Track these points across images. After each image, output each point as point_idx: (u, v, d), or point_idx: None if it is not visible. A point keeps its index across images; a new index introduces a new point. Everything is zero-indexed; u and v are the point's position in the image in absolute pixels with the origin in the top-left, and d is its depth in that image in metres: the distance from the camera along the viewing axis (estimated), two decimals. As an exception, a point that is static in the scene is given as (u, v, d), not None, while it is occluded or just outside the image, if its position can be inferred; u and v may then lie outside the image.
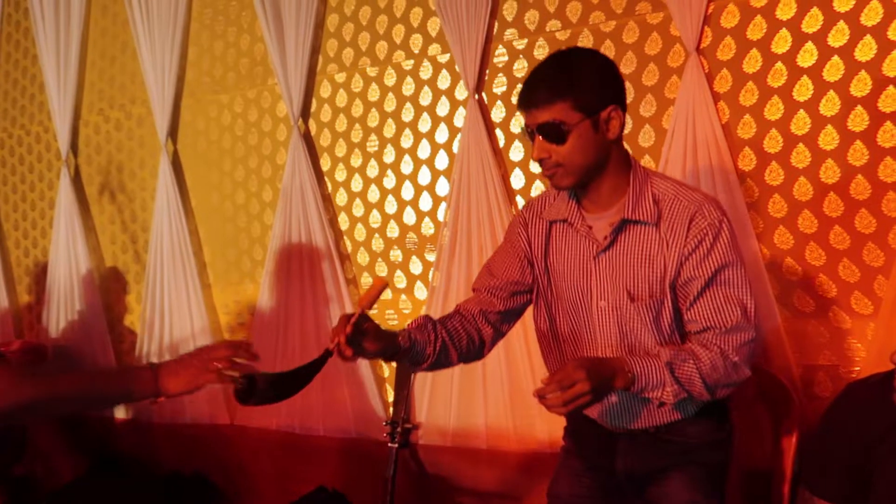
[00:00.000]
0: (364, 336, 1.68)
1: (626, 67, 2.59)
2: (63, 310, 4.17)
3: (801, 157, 2.33)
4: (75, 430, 4.12)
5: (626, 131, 1.92)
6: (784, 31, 2.33)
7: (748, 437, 2.28)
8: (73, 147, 4.09)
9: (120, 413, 4.02)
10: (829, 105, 2.28)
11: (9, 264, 4.45)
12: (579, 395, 1.54)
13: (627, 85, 2.52)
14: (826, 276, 2.31)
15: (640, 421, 1.85)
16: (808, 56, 2.30)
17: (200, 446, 3.69)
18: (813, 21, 2.29)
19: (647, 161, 2.57)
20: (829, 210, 2.29)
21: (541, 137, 1.70)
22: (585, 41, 2.66)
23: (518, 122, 2.82)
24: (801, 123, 2.32)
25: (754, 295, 1.73)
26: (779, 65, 2.34)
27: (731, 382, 1.71)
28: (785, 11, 2.33)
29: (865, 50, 2.22)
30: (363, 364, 3.20)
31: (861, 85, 2.23)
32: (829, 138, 2.29)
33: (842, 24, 2.24)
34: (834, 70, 2.26)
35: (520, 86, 2.73)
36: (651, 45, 2.56)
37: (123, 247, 4.03)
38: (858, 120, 2.24)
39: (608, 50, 2.62)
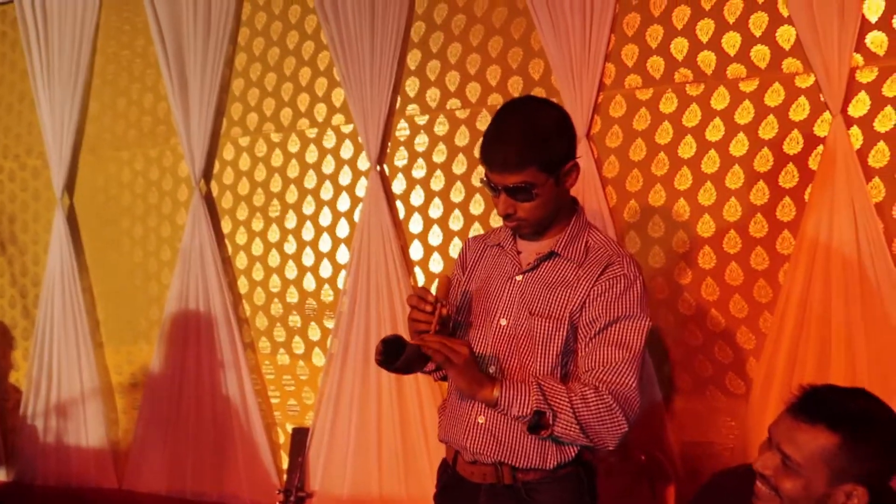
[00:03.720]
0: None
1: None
2: (-57, 365, 3.99)
3: (680, 242, 2.46)
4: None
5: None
6: (666, 124, 2.48)
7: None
8: (-37, 195, 3.95)
9: (0, 475, 3.84)
10: (706, 195, 2.42)
11: None
12: (454, 351, 1.66)
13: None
14: (703, 355, 2.44)
15: (501, 453, 1.81)
16: (686, 149, 2.45)
17: (86, 510, 3.57)
18: (692, 116, 2.44)
19: (539, 239, 2.67)
20: (706, 293, 2.43)
21: (506, 195, 1.76)
22: (483, 121, 2.76)
23: (418, 196, 2.90)
24: (681, 212, 2.46)
25: (644, 352, 1.75)
26: (661, 155, 2.49)
27: (604, 425, 1.67)
28: (666, 105, 2.48)
29: (737, 146, 2.38)
30: (257, 429, 3.17)
31: (734, 178, 2.38)
32: (706, 226, 2.43)
33: (717, 120, 2.40)
34: (711, 163, 2.42)
35: (421, 160, 2.86)
36: (545, 128, 2.67)
37: (12, 301, 3.90)
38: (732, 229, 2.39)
39: (505, 130, 2.72)
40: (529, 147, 1.71)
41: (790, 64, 2.30)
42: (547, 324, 1.76)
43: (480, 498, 1.85)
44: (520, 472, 1.80)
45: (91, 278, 3.64)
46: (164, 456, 3.38)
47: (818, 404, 1.48)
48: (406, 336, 1.77)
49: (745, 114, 2.36)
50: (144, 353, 3.50)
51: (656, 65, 2.49)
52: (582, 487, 1.84)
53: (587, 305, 1.75)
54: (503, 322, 1.82)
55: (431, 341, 1.68)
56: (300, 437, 3.08)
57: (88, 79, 3.55)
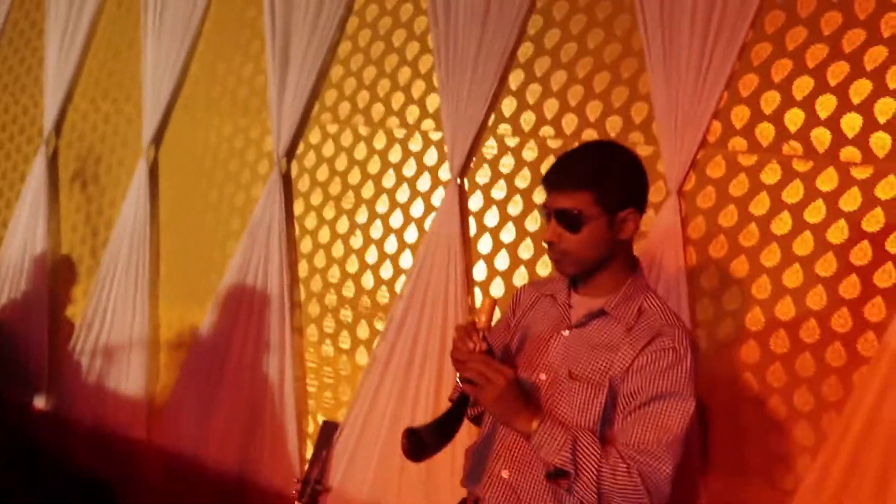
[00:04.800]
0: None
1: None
2: (9, 287, 4.10)
3: (754, 320, 2.34)
4: (-10, 411, 4.02)
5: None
6: (763, 195, 2.36)
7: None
8: (57, 128, 4.05)
9: (40, 401, 3.93)
10: (792, 277, 2.30)
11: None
12: (498, 372, 1.59)
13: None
14: (755, 442, 2.31)
15: None
16: (781, 224, 2.33)
17: (113, 455, 3.62)
18: (793, 192, 2.32)
19: (607, 286, 2.57)
20: (771, 379, 2.30)
21: (556, 221, 1.71)
22: (574, 155, 2.67)
23: (492, 217, 2.83)
24: (762, 288, 2.34)
25: (687, 435, 1.65)
26: (752, 226, 2.37)
27: (625, 502, 1.59)
28: (768, 176, 2.36)
29: (836, 233, 2.24)
30: (289, 414, 3.16)
31: (826, 265, 2.25)
32: (785, 308, 2.30)
33: (819, 202, 2.27)
34: (804, 245, 2.29)
35: (502, 181, 2.80)
36: (635, 175, 2.57)
37: (83, 238, 3.98)
38: (818, 299, 2.26)
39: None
40: (589, 172, 1.70)
41: (911, 159, 2.16)
42: (586, 389, 1.69)
43: None
44: None
45: (160, 232, 3.68)
46: (195, 419, 3.39)
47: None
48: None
49: (851, 201, 2.22)
50: (196, 315, 3.51)
51: (766, 132, 2.37)
52: None
53: (629, 376, 1.66)
54: (542, 377, 1.75)
55: (474, 361, 1.62)
56: (329, 431, 3.05)
57: (195, 40, 3.58)
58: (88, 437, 3.71)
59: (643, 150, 2.56)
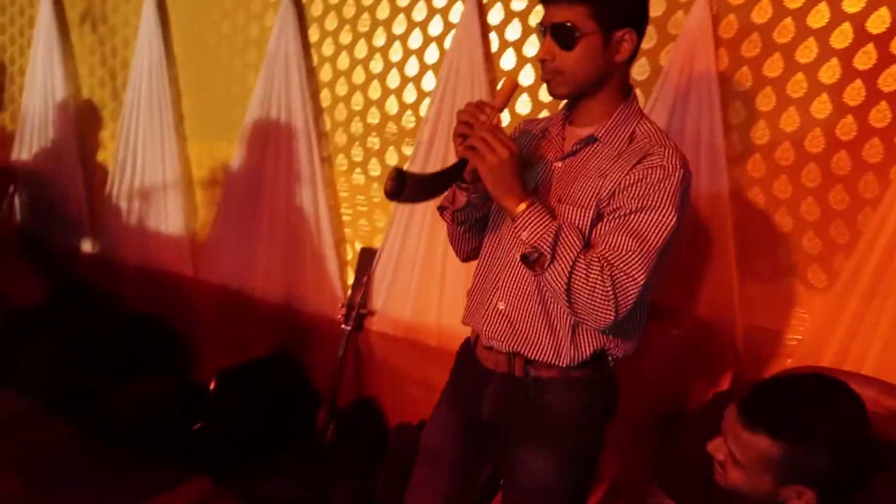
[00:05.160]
0: None
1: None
2: (36, 135, 4.12)
3: (790, 120, 2.28)
4: (38, 255, 4.16)
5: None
6: (800, -14, 2.22)
7: (674, 383, 2.38)
8: (57, -34, 3.89)
9: (86, 246, 4.05)
10: (829, 73, 2.21)
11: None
12: (501, 144, 1.57)
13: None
14: (789, 243, 2.32)
15: (515, 341, 1.75)
16: (818, 17, 2.20)
17: (163, 292, 3.76)
18: (831, -20, 2.18)
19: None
20: (806, 179, 2.27)
21: (550, 38, 1.65)
22: (597, -44, 2.52)
23: (514, 30, 2.72)
24: (797, 86, 2.26)
25: (662, 252, 1.59)
26: (787, 20, 2.25)
27: (591, 305, 1.56)
28: (805, -35, 2.21)
29: (877, 21, 2.12)
30: (327, 242, 3.22)
31: (865, 58, 2.15)
32: (821, 107, 2.23)
33: (860, -11, 2.14)
34: (842, 37, 2.18)
35: (522, -9, 2.65)
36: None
37: (101, 81, 3.93)
38: (855, 94, 2.18)
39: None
40: None
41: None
42: (571, 211, 1.65)
43: (491, 385, 1.82)
44: (531, 367, 1.74)
45: (178, 69, 3.62)
46: (238, 252, 3.48)
47: (763, 409, 1.44)
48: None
49: (893, -14, 2.09)
50: (225, 151, 3.52)
51: (803, -84, 2.20)
52: (595, 396, 1.77)
53: (616, 194, 1.62)
54: None
55: (482, 129, 1.59)
56: (368, 257, 3.12)
57: None
58: (136, 276, 3.84)
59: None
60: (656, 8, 2.44)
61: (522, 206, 1.60)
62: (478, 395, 1.84)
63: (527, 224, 1.60)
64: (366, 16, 3.03)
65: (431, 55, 2.91)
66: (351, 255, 3.24)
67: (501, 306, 1.77)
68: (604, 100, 1.70)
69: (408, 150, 3.01)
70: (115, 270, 3.92)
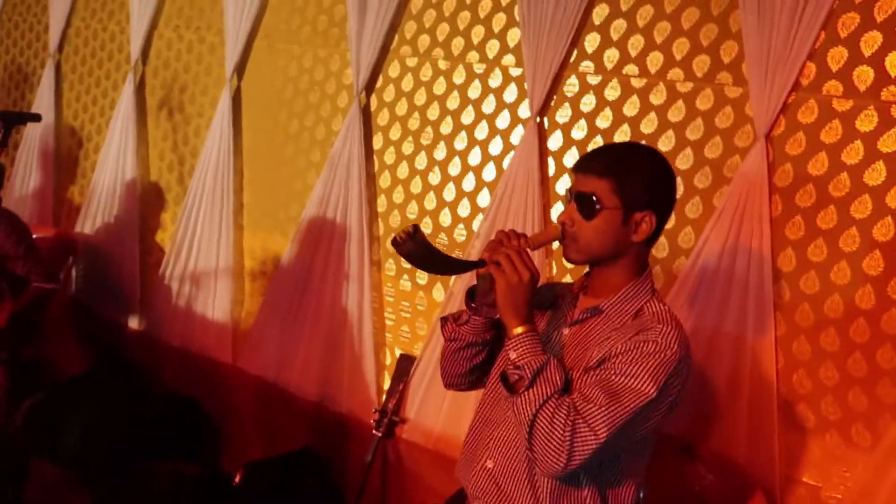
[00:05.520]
0: None
1: (693, 133, 2.53)
2: (101, 211, 4.27)
3: (841, 273, 2.27)
4: (86, 327, 4.25)
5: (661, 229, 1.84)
6: (858, 143, 2.25)
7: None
8: (144, 55, 4.12)
9: (133, 322, 4.13)
10: (883, 230, 2.21)
11: (60, 153, 4.53)
12: (524, 266, 1.61)
13: (687, 152, 2.50)
14: (834, 398, 2.28)
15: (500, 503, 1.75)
16: (875, 175, 2.22)
17: (201, 376, 3.80)
18: (891, 141, 2.20)
19: (687, 233, 2.53)
20: (855, 335, 2.25)
21: (573, 204, 1.70)
22: (658, 95, 2.60)
23: (572, 157, 2.79)
24: (849, 240, 2.26)
25: (636, 423, 1.57)
26: (843, 175, 2.27)
27: (547, 443, 1.54)
28: (864, 123, 2.24)
29: (936, 187, 2.14)
30: (367, 345, 3.25)
31: (921, 221, 2.16)
32: (874, 262, 2.22)
33: (919, 152, 2.16)
34: (897, 197, 2.19)
35: (583, 121, 2.74)
36: (722, 118, 2.49)
37: (170, 166, 4.09)
38: (909, 254, 2.17)
39: (679, 110, 2.56)
40: (616, 162, 1.70)
41: None
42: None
43: None
44: None
45: (244, 161, 3.75)
46: (278, 346, 3.52)
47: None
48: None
49: (952, 153, 2.11)
50: (278, 244, 3.60)
51: (864, 76, 2.25)
52: None
53: (606, 359, 1.63)
54: None
55: (511, 250, 1.63)
56: (406, 364, 3.13)
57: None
58: (177, 357, 3.89)
59: (731, 92, 2.47)
60: (712, 150, 2.49)
61: (521, 329, 1.63)
62: None
63: (519, 345, 1.61)
64: (429, 129, 3.14)
65: (489, 173, 2.98)
66: (389, 360, 3.26)
67: (490, 465, 1.77)
68: (617, 273, 1.73)
69: (456, 263, 3.05)
70: (158, 349, 3.97)
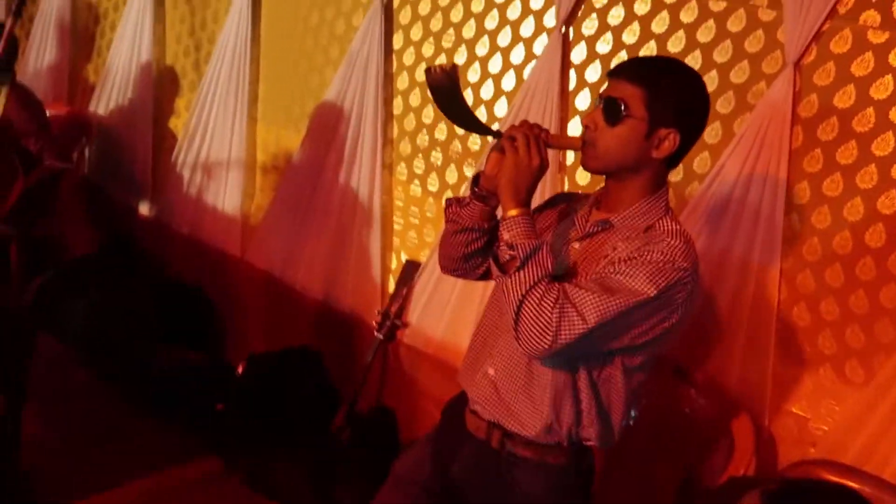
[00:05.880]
0: None
1: (720, 56, 2.46)
2: (116, 92, 4.23)
3: (854, 210, 2.25)
4: (96, 208, 4.28)
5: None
6: (889, 78, 2.19)
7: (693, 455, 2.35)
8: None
9: (144, 207, 4.15)
10: (904, 170, 2.17)
11: (77, 29, 4.46)
12: (538, 148, 1.61)
13: (713, 75, 2.44)
14: (832, 333, 2.29)
15: (498, 410, 1.75)
16: (902, 113, 2.17)
17: (208, 266, 3.84)
18: (922, 78, 2.14)
19: (704, 158, 2.49)
20: (861, 272, 2.24)
21: (600, 109, 1.65)
22: (689, 13, 2.51)
23: (594, 71, 2.73)
24: (867, 177, 2.22)
25: (624, 319, 1.55)
26: (869, 110, 2.22)
27: (533, 323, 1.52)
28: (898, 58, 2.18)
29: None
30: (374, 248, 3.26)
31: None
32: (889, 202, 2.19)
33: (950, 92, 2.10)
34: (922, 137, 2.14)
35: (609, 34, 2.67)
36: (752, 41, 2.41)
37: (186, 50, 4.02)
38: (926, 195, 2.14)
39: (709, 30, 2.48)
40: (652, 73, 1.64)
41: None
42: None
43: (466, 447, 1.82)
44: (509, 441, 1.74)
45: (261, 52, 3.69)
46: (286, 241, 3.54)
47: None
48: None
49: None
50: (292, 140, 3.58)
51: (904, 8, 2.17)
52: (566, 487, 1.76)
53: (611, 263, 1.61)
54: None
55: (531, 134, 1.61)
56: (411, 269, 3.15)
57: None
58: (185, 246, 3.93)
59: (765, 15, 2.39)
60: (738, 74, 2.43)
61: (516, 211, 1.60)
62: (453, 451, 1.86)
63: (513, 227, 1.59)
64: (451, 31, 3.06)
65: (508, 82, 2.93)
66: (395, 264, 3.28)
67: (491, 372, 1.78)
68: (632, 189, 1.68)
69: (469, 171, 3.03)
70: (167, 236, 4.01)
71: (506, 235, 1.59)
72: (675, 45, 2.54)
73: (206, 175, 3.85)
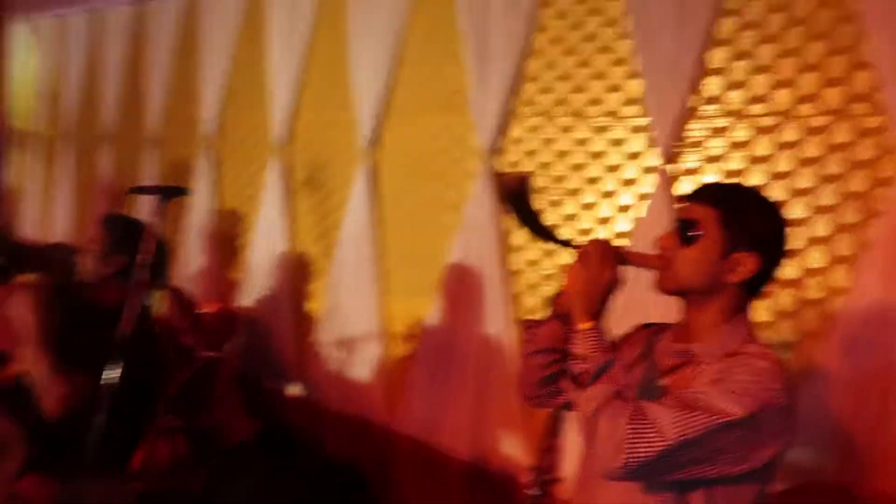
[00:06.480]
0: None
1: (832, 169, 2.43)
2: (258, 286, 4.54)
3: None
4: (251, 395, 4.50)
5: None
6: None
7: None
8: (286, 137, 4.38)
9: (292, 390, 4.34)
10: None
11: (220, 233, 4.87)
12: (599, 259, 1.58)
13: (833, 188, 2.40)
14: None
15: None
16: None
17: (357, 438, 3.94)
18: None
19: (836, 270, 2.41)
20: None
21: (675, 230, 1.65)
22: (789, 133, 2.51)
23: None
24: None
25: (708, 443, 1.45)
26: None
27: (608, 439, 1.45)
28: None
29: None
30: (515, 402, 3.26)
31: None
32: None
33: None
34: None
35: (713, 166, 2.69)
36: (862, 149, 2.37)
37: (315, 239, 4.31)
38: None
39: (814, 146, 2.47)
40: (727, 194, 1.66)
41: None
42: None
43: None
44: None
45: (385, 230, 3.90)
46: (428, 406, 3.60)
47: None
48: None
49: None
50: (421, 308, 3.70)
51: None
52: None
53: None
54: None
55: (606, 247, 1.61)
56: (556, 419, 3.10)
57: (401, 44, 3.74)
58: (336, 421, 4.05)
59: (871, 122, 2.35)
60: (857, 183, 2.38)
61: (588, 324, 1.56)
62: None
63: (585, 340, 1.55)
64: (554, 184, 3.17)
65: (620, 225, 2.97)
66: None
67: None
68: (710, 314, 1.63)
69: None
70: (317, 414, 4.16)
71: (577, 349, 1.57)
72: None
73: (346, 351, 4.02)
